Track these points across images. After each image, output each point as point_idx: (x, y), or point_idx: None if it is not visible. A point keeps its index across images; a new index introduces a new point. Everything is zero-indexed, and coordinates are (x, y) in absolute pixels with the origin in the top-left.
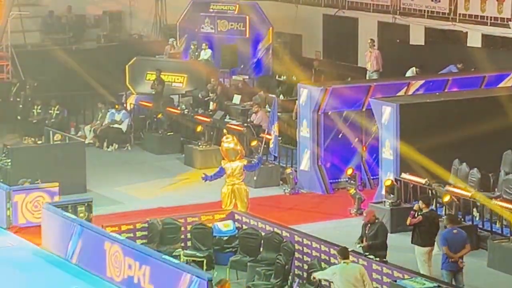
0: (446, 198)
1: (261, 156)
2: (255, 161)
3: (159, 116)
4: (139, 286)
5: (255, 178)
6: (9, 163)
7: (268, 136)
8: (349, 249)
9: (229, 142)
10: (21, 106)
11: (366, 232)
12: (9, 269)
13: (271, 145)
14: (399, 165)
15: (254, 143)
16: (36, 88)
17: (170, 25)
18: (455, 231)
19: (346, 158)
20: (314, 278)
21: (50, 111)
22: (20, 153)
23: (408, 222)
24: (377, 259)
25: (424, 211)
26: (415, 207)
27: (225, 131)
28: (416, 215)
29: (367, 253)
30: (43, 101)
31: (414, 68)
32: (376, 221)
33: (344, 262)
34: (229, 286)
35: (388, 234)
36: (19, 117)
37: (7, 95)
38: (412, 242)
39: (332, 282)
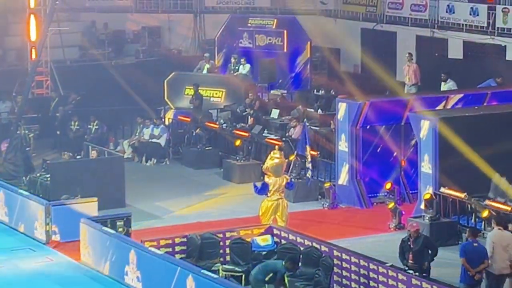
0: (485, 213)
1: (294, 183)
2: (292, 182)
3: (198, 130)
4: None
5: (293, 192)
6: (48, 178)
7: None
8: (389, 264)
9: (278, 158)
10: (56, 122)
11: (411, 247)
12: (49, 284)
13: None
14: (438, 179)
15: (292, 157)
16: (77, 103)
17: (208, 40)
18: (475, 244)
19: (385, 172)
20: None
21: (89, 126)
22: (59, 168)
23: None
24: (417, 273)
25: None
26: None
27: (277, 147)
28: None
29: (406, 268)
30: (81, 116)
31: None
32: (419, 235)
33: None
34: None
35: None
36: (58, 132)
37: (47, 110)
38: None
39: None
